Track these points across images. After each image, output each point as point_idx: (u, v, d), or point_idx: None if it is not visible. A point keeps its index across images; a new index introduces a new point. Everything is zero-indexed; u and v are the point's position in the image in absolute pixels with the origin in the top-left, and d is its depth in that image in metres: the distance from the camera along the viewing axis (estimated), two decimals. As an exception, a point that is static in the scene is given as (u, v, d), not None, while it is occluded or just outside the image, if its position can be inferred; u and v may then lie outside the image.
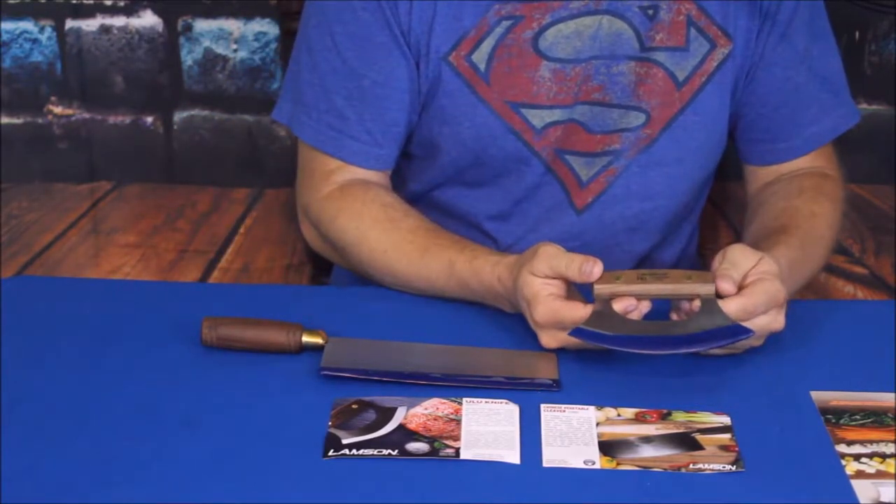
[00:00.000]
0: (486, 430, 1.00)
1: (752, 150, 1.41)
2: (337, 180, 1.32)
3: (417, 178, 1.39)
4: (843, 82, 1.40)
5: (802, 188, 1.35)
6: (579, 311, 1.08)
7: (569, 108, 1.30)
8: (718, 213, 1.74)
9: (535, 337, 1.12)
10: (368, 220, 1.28)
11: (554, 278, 1.10)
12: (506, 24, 1.27)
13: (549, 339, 1.11)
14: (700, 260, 1.52)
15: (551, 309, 1.09)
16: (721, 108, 1.33)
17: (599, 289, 1.09)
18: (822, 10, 1.37)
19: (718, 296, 1.08)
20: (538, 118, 1.30)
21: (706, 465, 0.96)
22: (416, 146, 1.36)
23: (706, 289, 1.08)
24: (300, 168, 1.37)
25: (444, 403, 1.04)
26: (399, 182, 1.39)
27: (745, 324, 1.07)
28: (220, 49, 2.27)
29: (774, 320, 1.10)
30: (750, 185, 1.43)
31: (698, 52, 1.30)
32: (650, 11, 1.29)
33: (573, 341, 1.09)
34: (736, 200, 1.63)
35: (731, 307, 1.07)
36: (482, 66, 1.28)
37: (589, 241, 1.33)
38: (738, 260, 1.11)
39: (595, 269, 1.08)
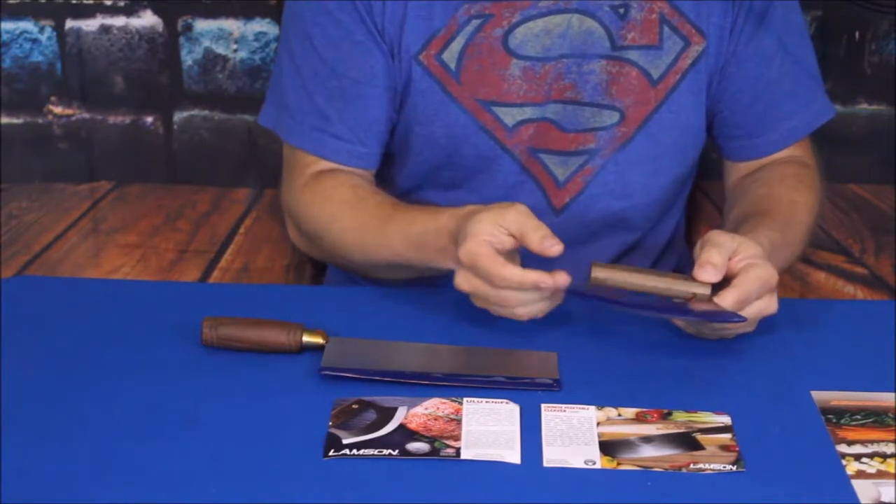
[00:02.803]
0: (487, 429, 1.00)
1: (729, 147, 1.41)
2: (311, 171, 1.33)
3: (396, 179, 1.39)
4: (818, 77, 1.40)
5: (784, 175, 1.36)
6: (499, 268, 1.07)
7: (540, 107, 1.30)
8: (716, 210, 1.74)
9: (535, 336, 1.12)
10: (337, 202, 1.29)
11: (509, 235, 1.09)
12: (475, 22, 1.28)
13: (461, 280, 1.10)
14: (689, 249, 1.52)
15: (478, 253, 1.08)
16: (697, 105, 1.34)
17: (596, 272, 1.09)
18: (796, 5, 1.37)
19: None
20: (509, 116, 1.30)
21: (707, 465, 0.96)
22: (395, 144, 1.37)
23: (702, 287, 1.08)
24: (284, 171, 1.38)
25: (444, 403, 1.04)
26: (383, 184, 1.39)
27: (740, 312, 1.07)
28: (220, 49, 2.27)
29: (768, 305, 1.10)
30: (729, 178, 1.43)
31: (672, 50, 1.31)
32: (621, 10, 1.29)
33: (484, 289, 1.08)
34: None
35: (727, 301, 1.07)
36: (452, 65, 1.29)
37: (569, 239, 1.32)
38: (718, 241, 1.10)
39: (554, 248, 1.08)
